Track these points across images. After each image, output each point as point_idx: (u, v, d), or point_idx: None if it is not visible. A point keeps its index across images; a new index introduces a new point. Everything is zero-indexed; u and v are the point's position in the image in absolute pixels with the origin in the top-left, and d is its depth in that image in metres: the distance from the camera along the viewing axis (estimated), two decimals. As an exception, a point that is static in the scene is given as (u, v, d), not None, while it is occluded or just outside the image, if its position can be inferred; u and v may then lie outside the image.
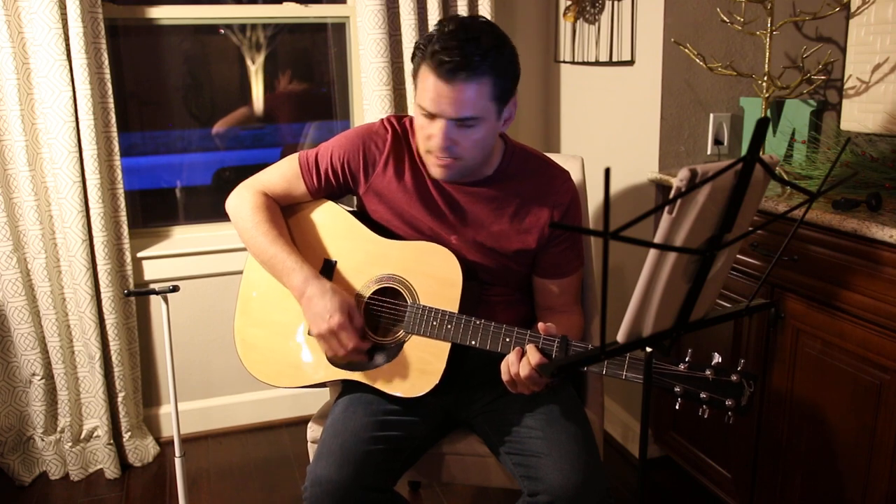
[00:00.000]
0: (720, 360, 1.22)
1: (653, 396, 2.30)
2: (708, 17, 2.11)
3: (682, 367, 1.24)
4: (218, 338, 2.62)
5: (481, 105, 1.39)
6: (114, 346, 2.36)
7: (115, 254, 2.36)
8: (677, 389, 1.24)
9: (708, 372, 1.22)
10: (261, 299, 1.65)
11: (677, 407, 1.25)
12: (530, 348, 1.35)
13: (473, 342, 1.43)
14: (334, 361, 1.54)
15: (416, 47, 1.42)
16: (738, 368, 1.21)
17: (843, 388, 1.62)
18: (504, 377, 1.38)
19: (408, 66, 2.46)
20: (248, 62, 2.77)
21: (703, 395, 1.22)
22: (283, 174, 1.64)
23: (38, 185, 2.25)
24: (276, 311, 1.62)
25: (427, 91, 1.39)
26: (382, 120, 1.61)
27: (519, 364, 1.35)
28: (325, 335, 1.47)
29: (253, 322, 1.65)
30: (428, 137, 1.44)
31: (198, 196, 2.94)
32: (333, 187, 1.63)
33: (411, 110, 2.50)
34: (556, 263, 1.60)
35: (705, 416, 1.24)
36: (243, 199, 1.62)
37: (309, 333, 1.54)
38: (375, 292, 1.55)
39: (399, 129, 1.59)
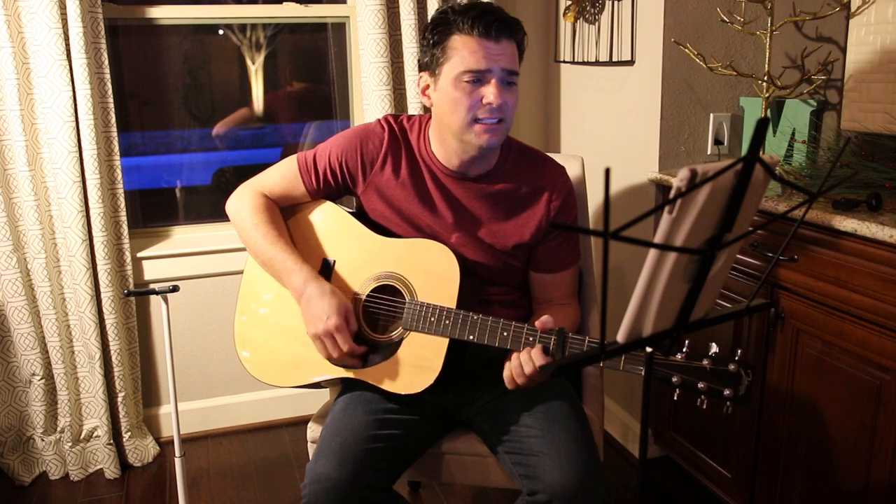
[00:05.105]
0: (718, 351, 1.23)
1: (652, 396, 2.30)
2: (708, 17, 2.11)
3: (679, 357, 1.24)
4: (218, 338, 2.62)
5: (518, 64, 1.48)
6: (114, 346, 2.36)
7: (115, 254, 2.35)
8: (675, 380, 1.24)
9: (706, 362, 1.23)
10: (261, 299, 1.65)
11: (675, 398, 1.25)
12: (535, 350, 1.35)
13: (471, 337, 1.43)
14: (332, 361, 1.55)
15: (444, 23, 1.45)
16: (736, 358, 1.21)
17: (842, 387, 1.62)
18: (506, 374, 1.38)
19: (408, 66, 2.46)
20: (248, 62, 2.77)
21: (700, 385, 1.23)
22: (282, 175, 1.65)
23: (38, 185, 2.25)
24: (276, 312, 1.62)
25: (474, 53, 1.42)
26: (379, 119, 1.62)
27: (521, 364, 1.35)
28: (320, 336, 1.48)
29: (253, 322, 1.65)
30: (477, 102, 1.44)
31: (198, 196, 2.94)
32: (332, 188, 1.63)
33: (411, 110, 2.50)
34: (553, 258, 1.61)
35: (704, 407, 1.24)
36: (243, 201, 1.63)
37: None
38: (374, 290, 1.56)
39: (396, 127, 1.60)
